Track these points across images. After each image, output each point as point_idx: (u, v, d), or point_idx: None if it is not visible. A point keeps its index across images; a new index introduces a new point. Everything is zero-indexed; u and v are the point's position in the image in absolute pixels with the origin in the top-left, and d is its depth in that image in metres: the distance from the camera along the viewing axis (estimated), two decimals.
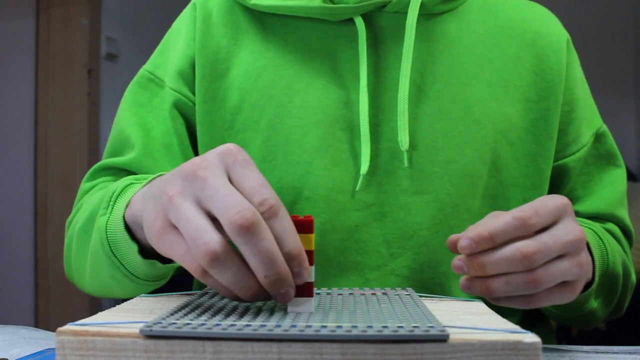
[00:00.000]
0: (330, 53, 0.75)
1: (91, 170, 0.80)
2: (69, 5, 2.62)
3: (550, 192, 0.78)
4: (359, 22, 0.73)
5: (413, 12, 0.73)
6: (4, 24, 2.61)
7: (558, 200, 0.55)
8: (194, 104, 0.78)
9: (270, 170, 0.74)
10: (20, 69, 2.65)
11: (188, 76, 0.78)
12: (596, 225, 0.76)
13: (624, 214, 0.80)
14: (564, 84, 0.77)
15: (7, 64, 2.63)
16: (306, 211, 0.72)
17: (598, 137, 0.81)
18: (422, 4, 0.74)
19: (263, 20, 0.77)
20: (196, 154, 0.79)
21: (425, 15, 0.75)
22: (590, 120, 0.81)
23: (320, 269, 0.72)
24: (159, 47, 0.84)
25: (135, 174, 0.76)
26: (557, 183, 0.79)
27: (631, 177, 3.07)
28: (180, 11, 0.84)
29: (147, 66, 0.82)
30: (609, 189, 0.79)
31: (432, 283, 0.72)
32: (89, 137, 2.62)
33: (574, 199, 0.79)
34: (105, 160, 0.79)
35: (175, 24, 0.83)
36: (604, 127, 0.82)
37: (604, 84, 3.21)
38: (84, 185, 0.79)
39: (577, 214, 0.78)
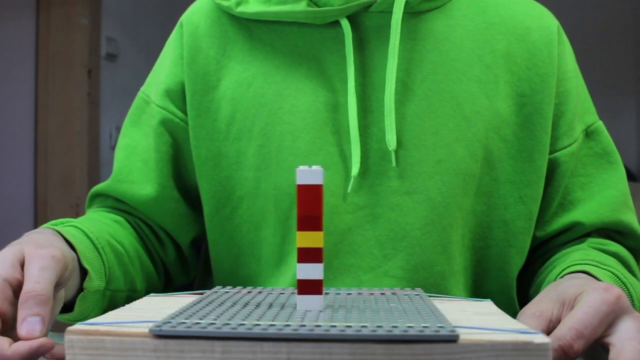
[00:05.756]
0: (318, 56, 0.74)
1: (88, 196, 0.83)
2: (69, 5, 2.62)
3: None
4: (345, 24, 0.73)
5: (398, 10, 0.72)
6: (4, 24, 2.61)
7: (603, 305, 0.49)
8: (182, 121, 0.78)
9: (266, 177, 0.74)
10: (20, 69, 2.64)
11: (175, 94, 0.79)
12: (614, 267, 0.70)
13: (630, 218, 0.77)
14: (556, 76, 0.76)
15: (7, 64, 2.63)
16: None
17: (591, 134, 0.79)
18: (407, 2, 0.73)
19: (250, 28, 0.77)
20: (182, 170, 0.80)
21: (411, 13, 0.74)
22: (581, 115, 0.79)
23: None
24: (153, 69, 0.85)
25: (116, 197, 0.79)
26: (547, 178, 0.77)
27: (631, 177, 3.07)
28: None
29: (143, 88, 0.84)
30: (611, 190, 0.77)
31: (427, 283, 0.72)
32: (89, 137, 2.62)
33: (573, 202, 0.77)
34: (94, 187, 0.82)
35: (165, 45, 0.84)
36: (599, 124, 0.80)
37: (604, 84, 3.21)
38: (87, 212, 0.82)
39: (582, 225, 0.76)
